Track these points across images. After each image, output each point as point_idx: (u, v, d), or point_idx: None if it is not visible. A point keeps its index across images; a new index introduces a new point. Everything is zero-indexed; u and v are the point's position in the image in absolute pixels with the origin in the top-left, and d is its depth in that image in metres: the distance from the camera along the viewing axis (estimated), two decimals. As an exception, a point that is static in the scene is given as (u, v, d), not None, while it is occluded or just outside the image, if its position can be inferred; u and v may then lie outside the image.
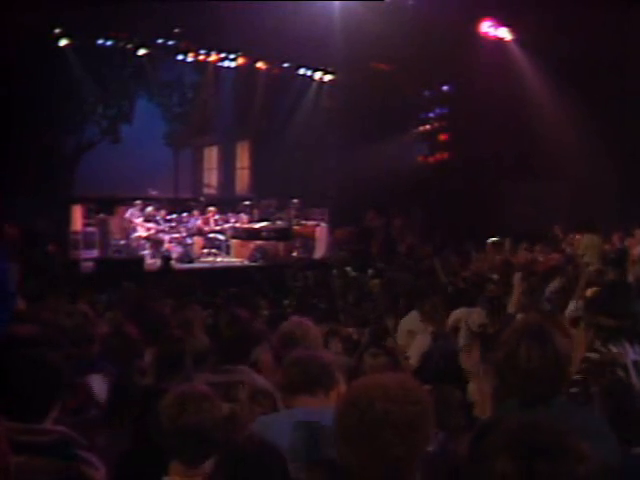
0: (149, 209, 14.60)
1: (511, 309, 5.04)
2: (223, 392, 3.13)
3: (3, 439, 1.84)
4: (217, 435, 2.31)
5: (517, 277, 5.23)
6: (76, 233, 13.81)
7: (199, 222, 15.26)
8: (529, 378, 2.23)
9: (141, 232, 14.37)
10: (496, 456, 1.40)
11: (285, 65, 17.40)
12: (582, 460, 1.38)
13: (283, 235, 15.43)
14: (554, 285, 6.21)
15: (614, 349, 3.26)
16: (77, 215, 13.98)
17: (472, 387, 4.29)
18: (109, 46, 14.71)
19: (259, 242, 15.24)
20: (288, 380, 2.80)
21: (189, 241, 14.95)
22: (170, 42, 15.48)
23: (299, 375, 2.73)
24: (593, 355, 3.28)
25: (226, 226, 15.67)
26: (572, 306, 4.73)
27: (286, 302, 9.47)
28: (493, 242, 10.81)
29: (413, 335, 5.74)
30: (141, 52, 15.19)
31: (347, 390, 1.83)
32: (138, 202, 14.55)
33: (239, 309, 4.12)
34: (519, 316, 5.54)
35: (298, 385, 2.73)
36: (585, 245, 9.86)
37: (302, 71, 17.83)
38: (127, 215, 14.41)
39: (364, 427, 1.69)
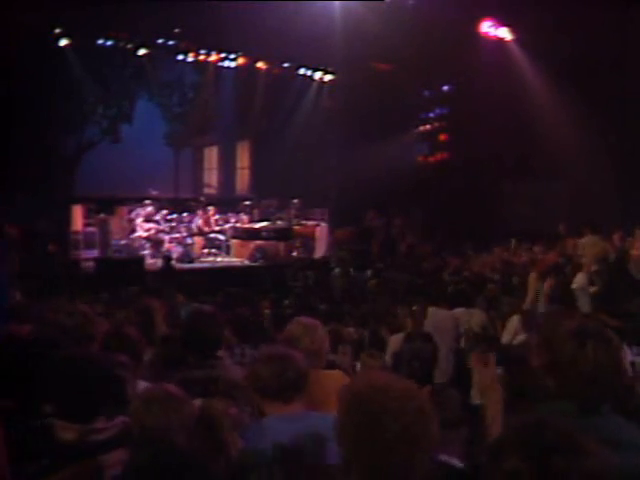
0: (149, 209, 14.60)
1: (526, 307, 5.04)
2: (202, 388, 3.10)
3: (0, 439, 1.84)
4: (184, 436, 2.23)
5: (532, 276, 5.23)
6: (76, 233, 13.80)
7: (199, 222, 15.26)
8: (593, 381, 2.07)
9: (141, 232, 14.37)
10: (508, 455, 1.39)
11: (285, 65, 17.39)
12: (591, 456, 1.38)
13: (283, 235, 15.42)
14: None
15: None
16: (77, 215, 13.97)
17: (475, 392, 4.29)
18: (109, 46, 14.70)
19: (259, 242, 15.22)
20: (261, 384, 2.57)
21: (189, 241, 14.94)
22: (170, 42, 15.47)
23: (273, 380, 2.53)
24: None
25: (226, 226, 15.66)
26: (581, 278, 4.77)
27: (286, 302, 9.47)
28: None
29: None
30: (141, 52, 15.18)
31: (345, 389, 1.80)
32: (147, 202, 14.55)
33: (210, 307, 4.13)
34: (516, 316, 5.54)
35: (272, 391, 2.54)
36: (585, 245, 9.85)
37: (302, 71, 17.82)
38: (132, 215, 14.42)
39: (363, 425, 1.67)
